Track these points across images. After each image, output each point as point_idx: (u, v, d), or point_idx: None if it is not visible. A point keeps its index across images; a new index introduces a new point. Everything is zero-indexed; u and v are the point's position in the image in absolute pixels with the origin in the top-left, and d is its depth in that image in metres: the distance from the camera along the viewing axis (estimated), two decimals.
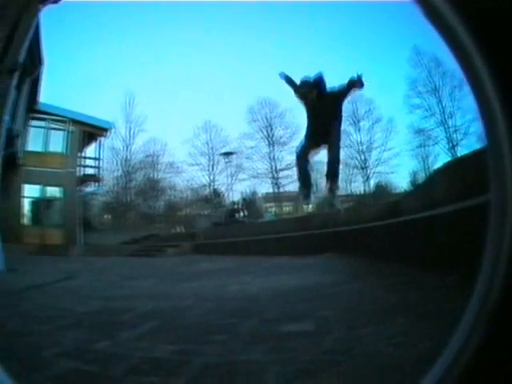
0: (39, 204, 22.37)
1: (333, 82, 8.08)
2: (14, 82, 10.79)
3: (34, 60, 15.67)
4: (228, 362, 2.25)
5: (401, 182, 46.72)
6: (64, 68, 48.19)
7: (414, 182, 33.53)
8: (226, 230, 17.11)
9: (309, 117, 7.99)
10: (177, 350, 2.50)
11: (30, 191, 22.24)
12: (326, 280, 5.24)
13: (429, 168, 34.57)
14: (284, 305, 3.95)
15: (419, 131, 36.48)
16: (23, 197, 21.66)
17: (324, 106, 7.59)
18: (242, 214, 19.82)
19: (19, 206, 21.11)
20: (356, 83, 7.96)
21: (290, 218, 17.86)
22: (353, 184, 39.65)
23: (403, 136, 41.67)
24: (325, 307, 3.43)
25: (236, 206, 20.36)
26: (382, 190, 37.87)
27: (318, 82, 7.76)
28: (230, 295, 4.85)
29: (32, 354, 2.50)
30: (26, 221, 21.90)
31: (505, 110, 0.60)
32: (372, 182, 39.41)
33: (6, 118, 10.51)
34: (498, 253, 0.63)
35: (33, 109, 20.60)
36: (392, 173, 38.26)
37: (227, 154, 32.57)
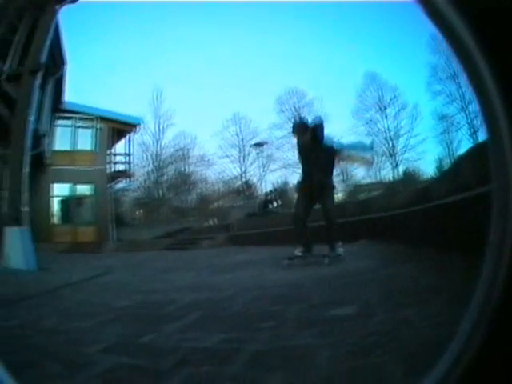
0: (69, 202, 22.62)
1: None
2: (38, 82, 10.84)
3: (56, 60, 15.82)
4: (279, 347, 2.21)
5: (428, 168, 45.70)
6: (88, 66, 48.72)
7: (440, 168, 32.99)
8: (260, 221, 16.94)
9: (303, 164, 7.26)
10: (226, 339, 2.44)
11: (60, 190, 22.51)
12: (363, 265, 5.23)
13: (453, 154, 34.10)
14: (326, 291, 3.92)
15: (442, 117, 35.70)
16: (52, 196, 21.93)
17: (319, 159, 6.89)
18: (275, 204, 19.59)
19: (48, 206, 21.31)
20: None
21: None
22: (382, 171, 39.10)
23: (428, 122, 41.95)
24: (366, 292, 3.40)
25: (269, 197, 20.11)
26: (410, 177, 37.68)
27: (316, 129, 6.84)
28: (270, 284, 4.79)
29: (75, 351, 2.42)
30: (56, 220, 22.15)
31: (506, 107, 0.60)
32: (400, 169, 38.79)
33: (31, 118, 10.57)
34: (501, 247, 0.62)
35: (58, 108, 20.79)
36: (419, 159, 37.80)
37: (258, 145, 32.70)
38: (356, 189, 37.91)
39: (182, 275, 6.96)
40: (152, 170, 41.73)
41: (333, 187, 7.27)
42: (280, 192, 22.94)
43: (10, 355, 1.99)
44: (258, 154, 32.15)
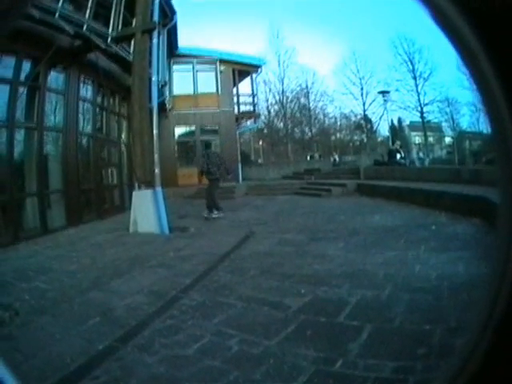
0: (194, 145, 23.30)
1: None
2: (153, 40, 10.95)
3: (166, 9, 15.89)
4: None
5: None
6: (201, 10, 50.00)
7: None
8: (387, 172, 16.75)
9: None
10: None
11: (183, 133, 23.46)
12: None
13: None
14: None
15: None
16: (176, 139, 22.82)
17: None
18: (401, 154, 18.96)
19: (172, 149, 22.10)
20: None
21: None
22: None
23: None
24: None
25: (395, 147, 19.42)
26: None
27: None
28: None
29: None
30: (180, 163, 22.81)
31: (509, 104, 0.59)
32: None
33: (153, 78, 10.83)
34: (509, 245, 0.61)
35: (175, 54, 21.21)
36: None
37: (384, 93, 32.77)
38: None
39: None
40: (277, 108, 44.86)
41: None
42: (405, 143, 22.09)
43: None
44: (385, 101, 32.08)
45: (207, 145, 14.31)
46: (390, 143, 23.08)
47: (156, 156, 9.90)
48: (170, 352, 3.30)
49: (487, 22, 0.58)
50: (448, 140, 48.32)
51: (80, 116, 11.98)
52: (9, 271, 5.96)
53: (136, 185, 9.80)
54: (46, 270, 6.01)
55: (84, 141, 12.51)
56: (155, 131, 10.07)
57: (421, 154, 26.49)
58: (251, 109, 25.81)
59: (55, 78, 10.94)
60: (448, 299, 3.84)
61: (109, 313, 4.11)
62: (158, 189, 9.58)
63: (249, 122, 26.79)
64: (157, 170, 9.79)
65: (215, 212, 11.53)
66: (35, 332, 3.71)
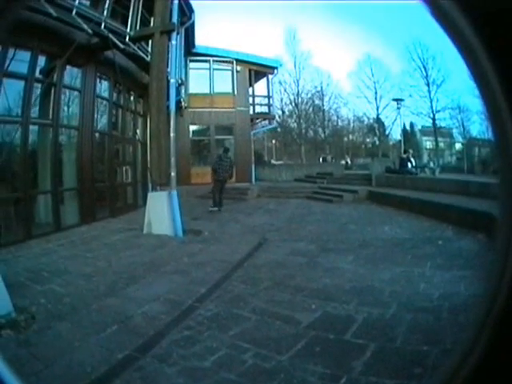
0: (208, 144, 23.54)
1: None
2: (172, 42, 11.03)
3: (184, 8, 15.96)
4: None
5: None
6: (219, 10, 50.21)
7: None
8: (398, 181, 16.89)
9: None
10: None
11: (198, 132, 23.71)
12: None
13: None
14: None
15: None
16: (190, 138, 23.03)
17: None
18: (412, 163, 19.09)
19: (186, 148, 22.00)
20: None
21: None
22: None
23: None
24: None
25: (407, 155, 19.53)
26: None
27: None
28: None
29: None
30: (194, 161, 23.01)
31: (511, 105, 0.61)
32: None
33: (172, 80, 10.97)
34: (509, 244, 0.63)
35: (192, 53, 21.41)
36: None
37: (398, 100, 33.59)
38: None
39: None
40: (292, 109, 45.90)
41: None
42: (416, 147, 22.33)
43: None
44: (398, 108, 33.01)
45: (226, 149, 15.14)
46: (402, 151, 23.11)
47: (173, 159, 10.00)
48: (188, 364, 3.42)
49: (490, 23, 0.60)
50: (458, 146, 48.90)
51: (96, 113, 12.09)
52: (22, 271, 6.07)
53: (151, 186, 9.90)
54: (61, 271, 6.13)
55: (99, 138, 12.63)
56: (172, 134, 10.14)
57: (431, 164, 26.50)
58: (266, 110, 25.91)
59: (71, 75, 11.05)
60: (447, 320, 4.03)
61: (127, 321, 4.23)
62: (174, 192, 9.70)
63: (263, 123, 26.90)
64: (173, 173, 9.92)
65: (213, 207, 13.55)
66: (54, 339, 3.81)
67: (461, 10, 0.61)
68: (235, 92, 23.16)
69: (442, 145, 48.16)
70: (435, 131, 43.93)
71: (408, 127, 47.45)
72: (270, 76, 25.55)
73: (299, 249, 7.86)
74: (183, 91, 19.90)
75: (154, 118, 10.09)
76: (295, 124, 45.50)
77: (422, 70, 42.68)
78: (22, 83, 9.11)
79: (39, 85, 9.80)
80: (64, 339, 3.79)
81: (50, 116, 10.10)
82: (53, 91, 10.17)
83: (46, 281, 5.64)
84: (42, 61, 9.80)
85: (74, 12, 9.70)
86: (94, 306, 4.64)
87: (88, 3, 11.18)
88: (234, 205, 15.35)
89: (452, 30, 0.65)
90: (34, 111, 9.69)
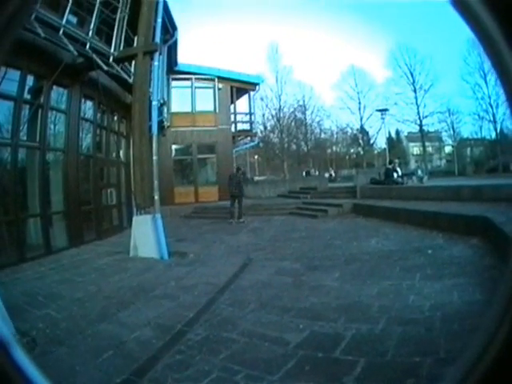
0: (190, 163, 24.02)
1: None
2: (155, 63, 11.36)
3: (167, 26, 16.37)
4: None
5: None
6: (201, 27, 51.35)
7: None
8: (384, 192, 17.18)
9: None
10: None
11: (180, 151, 24.12)
12: None
13: None
14: None
15: None
16: (172, 157, 23.54)
17: None
18: (398, 173, 19.46)
19: (169, 167, 22.58)
20: None
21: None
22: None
23: None
24: None
25: (392, 165, 19.94)
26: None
27: None
28: None
29: None
30: (176, 180, 23.63)
31: None
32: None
33: (154, 102, 11.27)
34: None
35: (174, 71, 21.92)
36: None
37: (382, 111, 35.10)
38: None
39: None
40: (273, 123, 46.58)
41: None
42: (404, 161, 22.79)
43: None
44: (382, 118, 34.68)
45: (237, 169, 18.33)
46: (387, 162, 23.57)
47: (156, 182, 10.33)
48: None
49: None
50: (448, 149, 49.85)
51: (81, 136, 12.39)
52: (19, 294, 6.45)
53: (135, 210, 10.22)
54: (55, 296, 6.48)
55: (84, 160, 12.86)
56: (155, 157, 10.46)
57: (419, 171, 27.04)
58: (248, 127, 26.47)
59: (57, 96, 11.35)
60: (439, 330, 4.17)
61: (121, 346, 4.52)
62: (158, 215, 10.04)
63: (245, 140, 27.39)
64: (156, 197, 10.25)
65: (238, 219, 16.15)
66: (56, 362, 4.11)
67: (487, 7, 0.62)
68: (217, 110, 23.74)
69: (430, 149, 49.62)
70: (422, 136, 45.13)
71: (394, 134, 48.14)
72: (252, 93, 26.08)
73: (284, 268, 8.03)
74: (165, 110, 20.27)
75: (136, 141, 10.37)
76: (277, 139, 46.07)
77: (409, 76, 44.72)
78: (11, 104, 9.38)
79: (27, 105, 10.04)
80: (66, 363, 4.07)
81: (37, 138, 10.36)
82: (40, 113, 10.42)
83: (42, 306, 5.98)
84: (30, 80, 10.05)
85: (61, 31, 9.96)
86: (88, 332, 4.92)
87: (75, 20, 11.55)
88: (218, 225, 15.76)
89: (474, 22, 0.65)
90: (23, 133, 9.95)
